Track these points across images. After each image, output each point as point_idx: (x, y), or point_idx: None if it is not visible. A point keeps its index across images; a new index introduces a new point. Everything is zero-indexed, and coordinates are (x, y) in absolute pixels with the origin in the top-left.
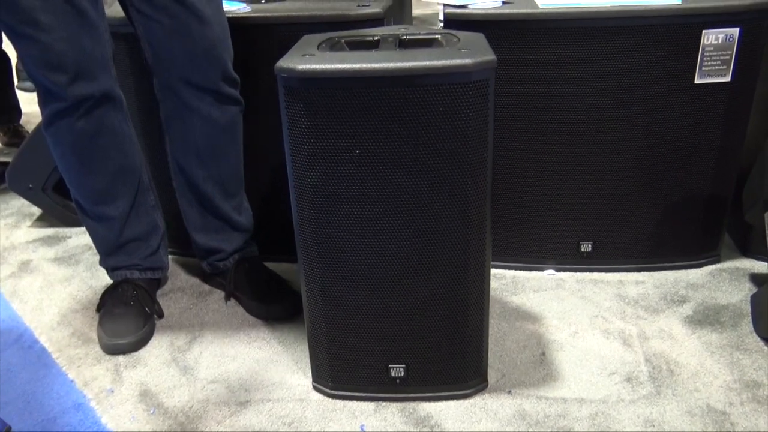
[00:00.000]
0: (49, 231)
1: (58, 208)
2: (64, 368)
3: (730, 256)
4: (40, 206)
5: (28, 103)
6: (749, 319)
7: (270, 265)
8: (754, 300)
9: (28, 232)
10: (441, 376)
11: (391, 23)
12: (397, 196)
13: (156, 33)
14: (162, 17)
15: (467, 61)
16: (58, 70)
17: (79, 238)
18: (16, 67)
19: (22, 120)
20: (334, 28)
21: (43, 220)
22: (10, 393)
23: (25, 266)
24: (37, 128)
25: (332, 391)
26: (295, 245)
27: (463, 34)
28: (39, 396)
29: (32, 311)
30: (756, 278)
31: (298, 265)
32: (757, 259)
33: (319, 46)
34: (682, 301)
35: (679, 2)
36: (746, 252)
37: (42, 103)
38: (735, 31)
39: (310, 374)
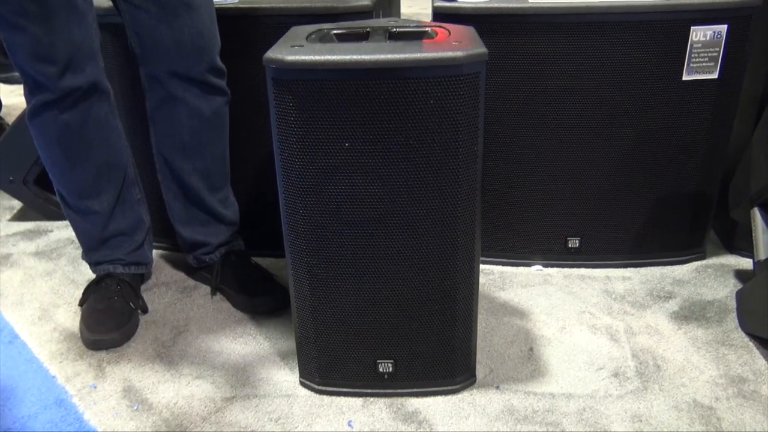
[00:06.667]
0: (30, 225)
1: (39, 201)
2: (45, 364)
3: (716, 253)
4: (20, 199)
5: (7, 95)
6: (734, 314)
7: (256, 260)
8: (739, 296)
9: (8, 225)
10: (429, 372)
11: (380, 16)
12: (387, 190)
13: (143, 21)
14: (149, 5)
15: (459, 53)
16: (47, 62)
17: (61, 231)
18: None
19: (2, 112)
20: (322, 20)
21: (24, 214)
22: None
23: (5, 260)
24: (18, 120)
25: (319, 387)
26: (283, 239)
27: (453, 27)
28: (20, 392)
29: (12, 306)
30: (741, 274)
31: (286, 259)
32: (742, 255)
33: (308, 37)
34: (669, 296)
35: None
36: (731, 248)
37: (28, 94)
38: (723, 28)
39: (296, 370)
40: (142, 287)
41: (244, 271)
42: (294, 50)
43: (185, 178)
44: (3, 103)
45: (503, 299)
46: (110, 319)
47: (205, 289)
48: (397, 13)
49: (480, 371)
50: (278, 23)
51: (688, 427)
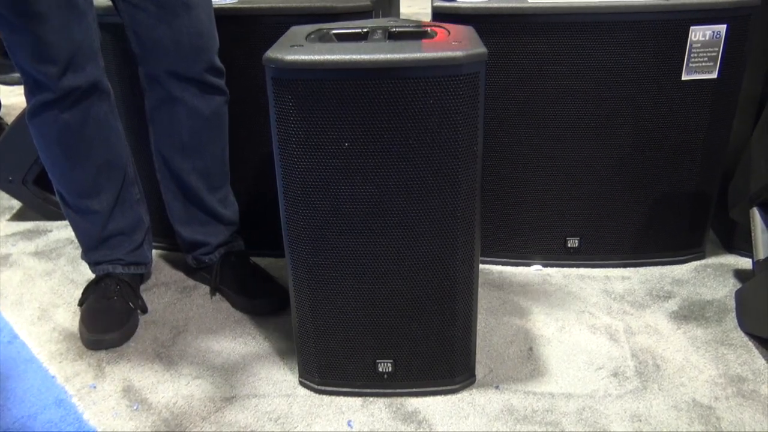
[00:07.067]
0: (29, 224)
1: (38, 201)
2: (44, 364)
3: (715, 252)
4: (20, 199)
5: (7, 95)
6: (734, 314)
7: (255, 260)
8: (739, 295)
9: (7, 225)
10: (429, 372)
11: (380, 16)
12: (386, 190)
13: (142, 21)
14: (148, 5)
15: (458, 53)
16: (48, 62)
17: (60, 231)
18: None
19: (2, 112)
20: (322, 20)
21: (24, 214)
22: None
23: (4, 260)
24: (18, 120)
25: (319, 387)
26: (283, 240)
27: (453, 27)
28: (19, 392)
29: (12, 306)
30: (740, 274)
31: (286, 259)
32: (741, 255)
33: (307, 37)
34: (668, 296)
35: None
36: (730, 248)
37: (28, 93)
38: (722, 28)
39: (296, 369)
40: (142, 287)
41: (243, 272)
42: (293, 50)
43: (184, 178)
44: (2, 103)
45: (503, 299)
46: (110, 319)
47: (205, 288)
48: (397, 13)
49: (479, 371)
50: (278, 23)
51: (688, 426)
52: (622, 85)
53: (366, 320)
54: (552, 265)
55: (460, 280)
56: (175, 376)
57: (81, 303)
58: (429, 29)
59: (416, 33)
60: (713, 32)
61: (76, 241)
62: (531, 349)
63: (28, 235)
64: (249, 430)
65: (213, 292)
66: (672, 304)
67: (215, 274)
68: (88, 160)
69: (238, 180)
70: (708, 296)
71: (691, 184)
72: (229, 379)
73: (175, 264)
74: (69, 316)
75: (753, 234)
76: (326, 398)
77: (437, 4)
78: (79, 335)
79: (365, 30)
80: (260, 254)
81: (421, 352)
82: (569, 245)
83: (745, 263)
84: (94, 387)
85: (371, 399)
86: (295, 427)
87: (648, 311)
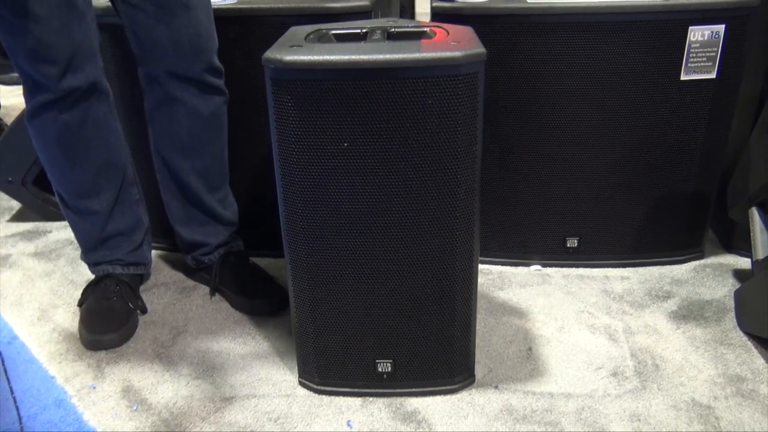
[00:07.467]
0: (29, 225)
1: (38, 202)
2: (44, 364)
3: (714, 252)
4: (19, 200)
5: (6, 96)
6: (733, 314)
7: (255, 260)
8: (738, 295)
9: (7, 226)
10: (428, 372)
11: (379, 17)
12: (386, 190)
13: (141, 22)
14: (147, 5)
15: (457, 53)
16: (48, 62)
17: (60, 232)
18: None
19: (1, 113)
20: (321, 21)
21: (23, 215)
22: None
23: (4, 261)
24: (17, 120)
25: (319, 387)
26: (282, 240)
27: (452, 27)
28: (19, 392)
29: (11, 306)
30: (739, 274)
31: (285, 259)
32: (740, 254)
33: (306, 37)
34: (667, 296)
35: None
36: (729, 248)
37: (27, 94)
38: (721, 28)
39: (296, 370)
40: (141, 287)
41: (243, 272)
42: (293, 50)
43: (184, 178)
44: (2, 103)
45: (502, 299)
46: (109, 320)
47: (204, 289)
48: (397, 13)
49: (479, 371)
50: (277, 23)
51: (687, 426)
52: (621, 85)
53: (365, 320)
54: (551, 265)
55: (460, 280)
56: (174, 376)
57: (80, 303)
58: (428, 29)
59: (415, 33)
60: (712, 32)
61: (75, 241)
62: (530, 349)
63: (27, 235)
64: (249, 430)
65: (212, 293)
66: (671, 304)
67: (215, 275)
68: (87, 160)
69: (237, 180)
70: (707, 296)
71: (690, 184)
72: (228, 379)
73: (175, 264)
74: (69, 317)
75: (752, 234)
76: (326, 398)
77: (436, 4)
78: (78, 336)
79: (364, 30)
80: (260, 254)
81: (421, 352)
82: (568, 245)
83: (744, 263)
84: (94, 387)
85: (371, 399)
86: (295, 427)
87: (647, 311)
